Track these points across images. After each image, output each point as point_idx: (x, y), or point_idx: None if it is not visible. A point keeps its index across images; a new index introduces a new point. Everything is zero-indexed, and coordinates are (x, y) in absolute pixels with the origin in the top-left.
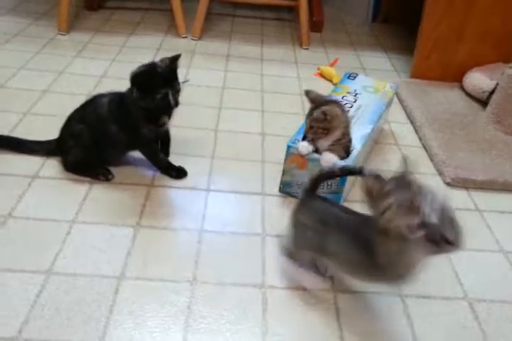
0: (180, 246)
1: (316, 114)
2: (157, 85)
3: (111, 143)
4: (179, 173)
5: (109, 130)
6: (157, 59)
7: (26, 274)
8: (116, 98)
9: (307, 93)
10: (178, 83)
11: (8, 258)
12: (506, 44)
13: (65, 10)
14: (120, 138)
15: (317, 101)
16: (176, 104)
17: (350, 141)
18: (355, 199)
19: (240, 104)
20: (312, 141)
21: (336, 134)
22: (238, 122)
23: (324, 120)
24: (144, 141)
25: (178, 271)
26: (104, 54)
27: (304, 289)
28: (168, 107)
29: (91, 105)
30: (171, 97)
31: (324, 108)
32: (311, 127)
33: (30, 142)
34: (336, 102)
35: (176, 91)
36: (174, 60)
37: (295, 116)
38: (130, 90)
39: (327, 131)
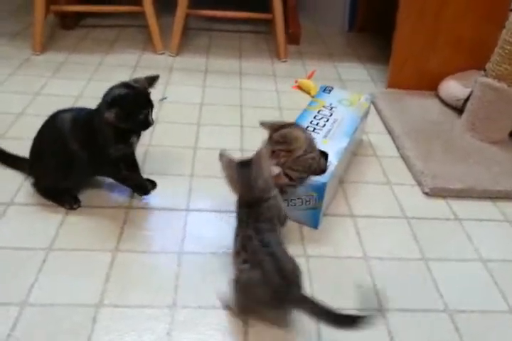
0: (159, 269)
1: (275, 137)
2: (140, 107)
3: (72, 162)
4: (143, 191)
5: (70, 147)
6: (135, 77)
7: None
8: (81, 115)
9: (262, 124)
10: (152, 102)
11: None
12: (479, 51)
13: (39, 30)
14: (81, 156)
15: (275, 126)
16: (152, 122)
17: (313, 158)
18: (335, 213)
19: (219, 120)
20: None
21: (298, 153)
22: (217, 139)
23: (284, 142)
24: (109, 161)
25: (158, 296)
26: (80, 73)
27: None
28: (147, 127)
29: (51, 122)
30: (150, 117)
31: (283, 131)
32: (273, 151)
33: (19, 158)
34: (293, 124)
35: (152, 110)
36: (152, 82)
37: None
38: (102, 110)
39: (290, 153)
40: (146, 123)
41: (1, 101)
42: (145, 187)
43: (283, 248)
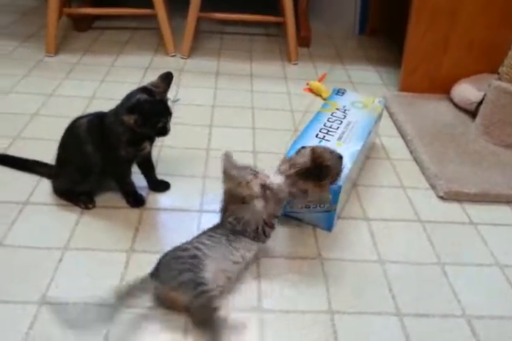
0: None
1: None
2: (160, 115)
3: (89, 165)
4: (136, 202)
5: (86, 150)
6: (146, 79)
7: (18, 305)
8: (96, 118)
9: (314, 151)
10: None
11: None
12: (491, 54)
13: (52, 32)
14: (95, 158)
15: (317, 168)
16: (169, 130)
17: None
18: (349, 216)
19: (231, 122)
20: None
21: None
22: (229, 140)
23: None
24: (119, 162)
25: None
26: (93, 75)
27: (301, 311)
28: (164, 134)
29: (69, 128)
30: (168, 125)
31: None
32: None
33: (36, 163)
34: (335, 177)
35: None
36: (169, 81)
37: (286, 133)
38: (121, 113)
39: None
40: (164, 131)
41: (16, 102)
42: (139, 200)
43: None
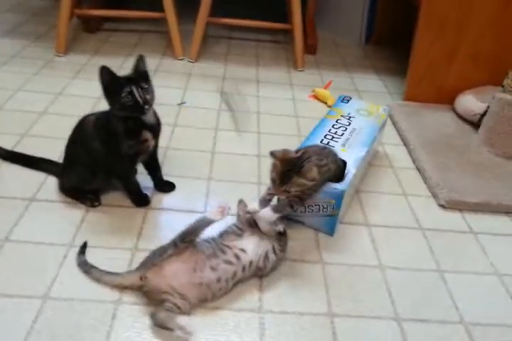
0: None
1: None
2: (118, 85)
3: (96, 161)
4: (141, 202)
5: (93, 147)
6: (154, 82)
7: (22, 299)
8: (103, 115)
9: (273, 154)
10: (147, 83)
11: (4, 283)
12: (497, 66)
13: (63, 32)
14: (102, 155)
15: (289, 162)
16: (146, 102)
17: (315, 187)
18: (351, 222)
19: None
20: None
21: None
22: (235, 144)
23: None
24: (122, 159)
25: None
26: None
27: (300, 313)
28: (136, 106)
29: (78, 125)
30: (136, 94)
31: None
32: (286, 191)
33: (43, 160)
34: (310, 158)
35: (144, 89)
36: (137, 63)
37: (290, 138)
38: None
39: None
40: (134, 102)
41: (25, 100)
42: (144, 200)
43: None
